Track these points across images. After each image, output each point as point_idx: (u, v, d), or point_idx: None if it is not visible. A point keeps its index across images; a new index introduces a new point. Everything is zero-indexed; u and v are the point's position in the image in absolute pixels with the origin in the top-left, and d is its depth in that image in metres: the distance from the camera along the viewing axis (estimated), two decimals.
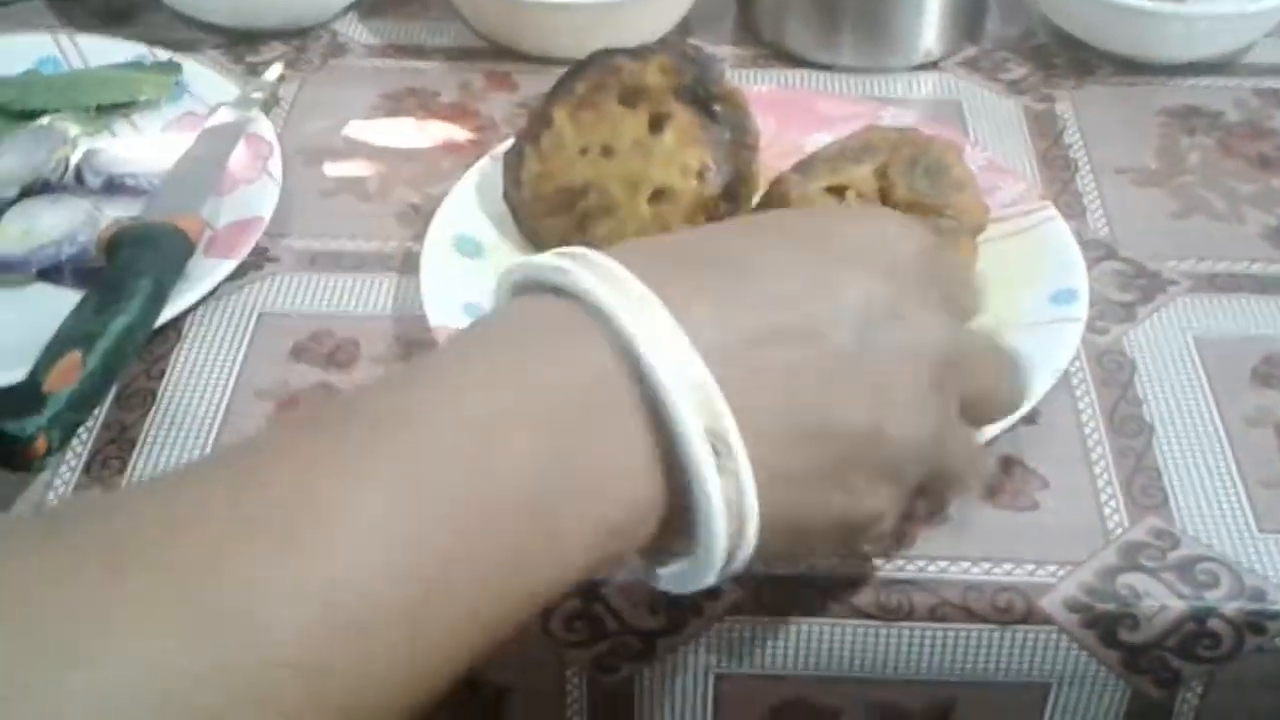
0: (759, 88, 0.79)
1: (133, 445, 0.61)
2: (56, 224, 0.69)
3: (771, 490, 0.40)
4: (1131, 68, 0.82)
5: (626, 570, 0.52)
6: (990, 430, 0.54)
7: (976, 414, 0.49)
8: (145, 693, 0.31)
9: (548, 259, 0.42)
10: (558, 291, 0.41)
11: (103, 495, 0.36)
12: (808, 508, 0.43)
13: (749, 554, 0.41)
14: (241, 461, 0.38)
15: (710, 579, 0.42)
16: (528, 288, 0.43)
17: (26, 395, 0.57)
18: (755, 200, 0.68)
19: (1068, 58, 0.84)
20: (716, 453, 0.39)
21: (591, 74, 0.68)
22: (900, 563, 0.56)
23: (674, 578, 0.43)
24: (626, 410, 0.39)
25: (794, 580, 0.56)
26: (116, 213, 0.69)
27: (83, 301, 0.63)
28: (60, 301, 0.64)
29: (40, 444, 0.55)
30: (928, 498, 0.53)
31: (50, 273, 0.68)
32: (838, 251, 0.45)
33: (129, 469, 0.60)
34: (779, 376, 0.41)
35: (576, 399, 0.39)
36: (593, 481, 0.39)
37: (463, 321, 0.64)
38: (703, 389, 0.39)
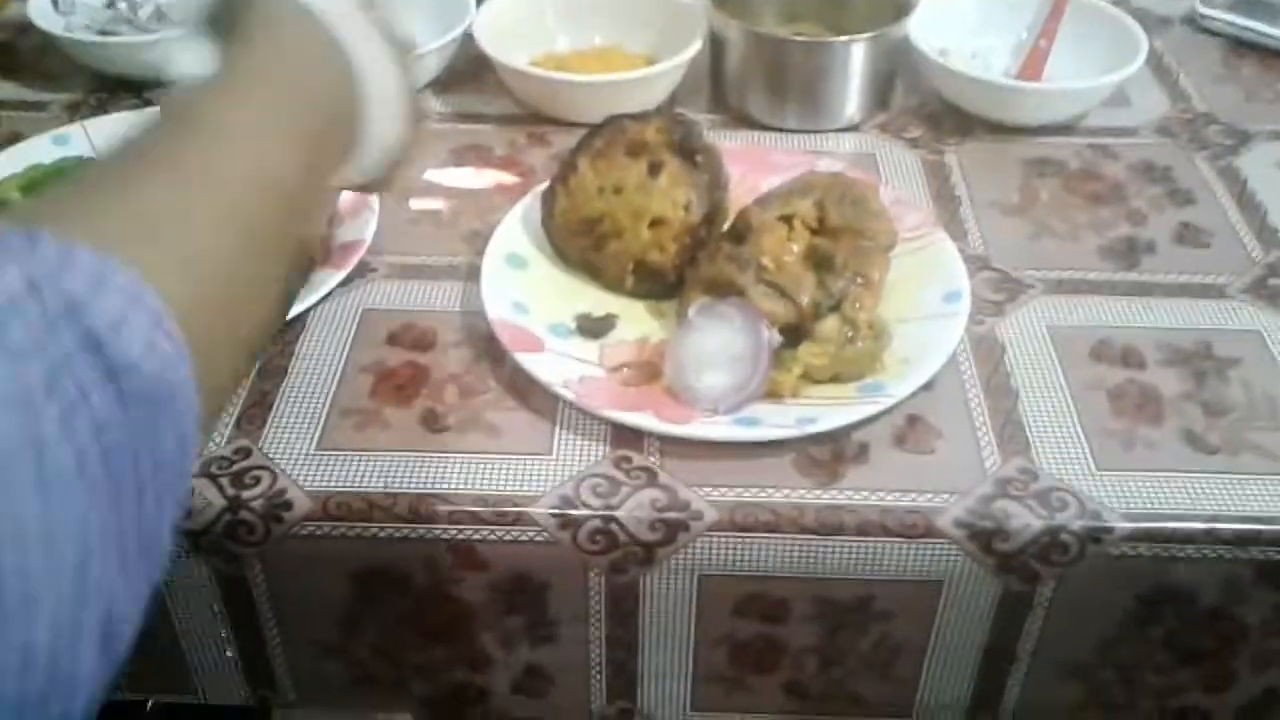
0: (728, 143, 0.77)
1: (270, 407, 0.59)
2: None
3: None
4: (1000, 129, 0.81)
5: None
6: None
7: None
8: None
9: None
10: None
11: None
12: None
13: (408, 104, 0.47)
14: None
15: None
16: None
17: None
18: (726, 226, 0.66)
19: (953, 122, 0.82)
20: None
21: (606, 133, 0.67)
22: (834, 493, 0.55)
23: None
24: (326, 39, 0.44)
25: (756, 506, 0.55)
26: None
27: None
28: None
29: None
30: None
31: None
32: None
33: (267, 424, 0.58)
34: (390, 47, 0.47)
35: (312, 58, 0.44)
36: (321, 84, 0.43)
37: (512, 314, 0.63)
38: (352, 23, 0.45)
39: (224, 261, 0.36)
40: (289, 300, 0.61)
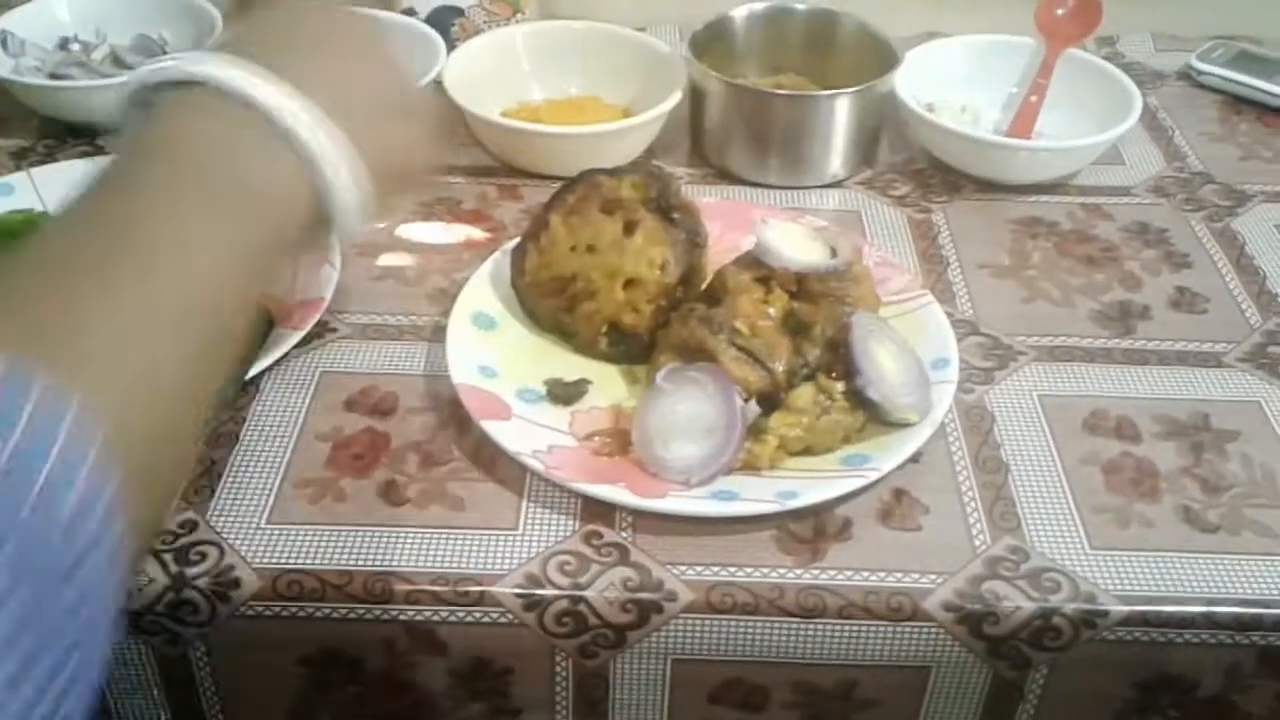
0: (707, 199, 0.78)
1: (219, 477, 0.59)
2: None
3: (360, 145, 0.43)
4: (989, 187, 0.82)
5: None
6: None
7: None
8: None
9: (184, 62, 0.42)
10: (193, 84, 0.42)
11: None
12: (383, 157, 0.44)
13: (364, 193, 0.43)
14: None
15: (353, 215, 0.44)
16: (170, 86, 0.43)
17: None
18: (704, 286, 0.66)
19: (941, 179, 0.83)
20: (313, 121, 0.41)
21: (579, 188, 0.67)
22: (815, 572, 0.55)
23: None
24: (266, 137, 0.41)
25: (733, 586, 0.54)
26: None
27: None
28: None
29: None
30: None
31: None
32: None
33: (215, 495, 0.58)
34: (347, 89, 0.44)
35: (236, 147, 0.41)
36: (263, 181, 0.41)
37: (478, 379, 0.62)
38: (292, 95, 0.41)
39: (158, 377, 0.36)
40: (245, 366, 0.61)
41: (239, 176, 0.41)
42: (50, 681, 0.29)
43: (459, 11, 0.93)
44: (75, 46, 0.89)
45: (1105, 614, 0.54)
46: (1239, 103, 0.93)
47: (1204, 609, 0.54)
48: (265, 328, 0.64)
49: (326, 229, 0.45)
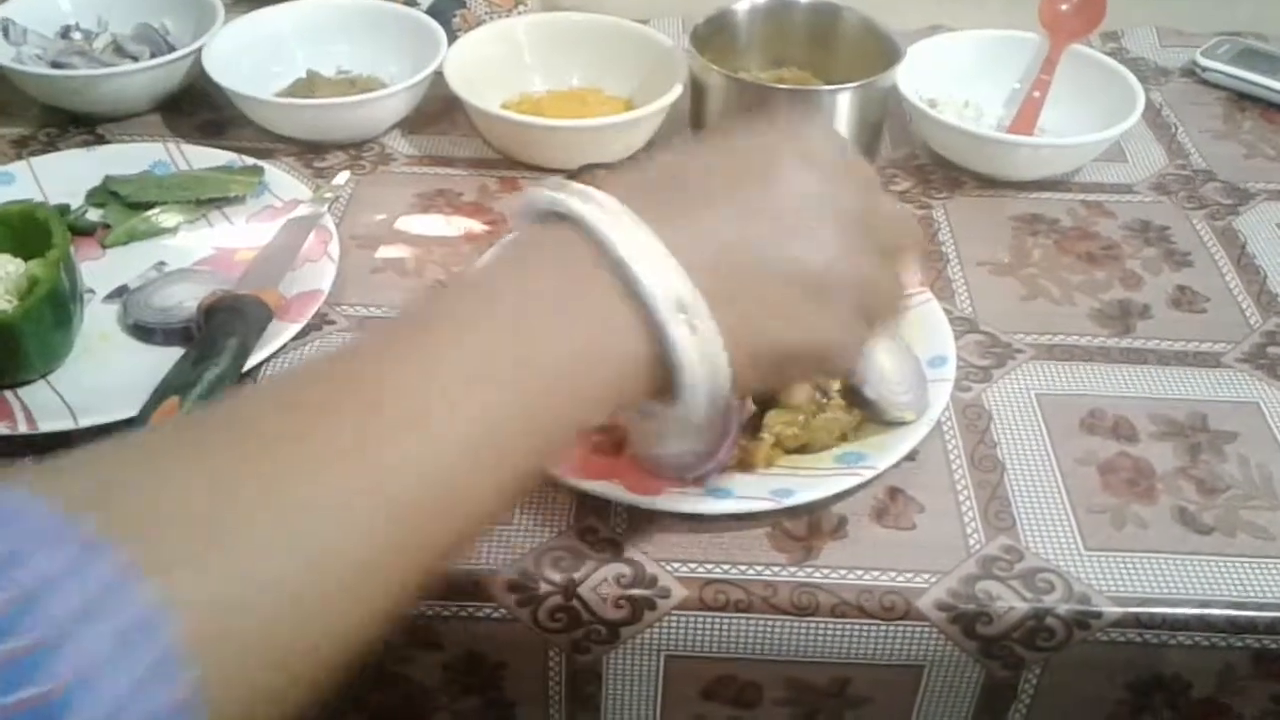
0: None
1: None
2: (183, 297, 0.67)
3: (736, 334, 0.39)
4: (990, 184, 0.82)
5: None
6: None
7: (895, 257, 0.46)
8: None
9: (553, 194, 0.40)
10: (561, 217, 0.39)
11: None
12: (771, 341, 0.41)
13: (725, 387, 0.39)
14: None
15: (698, 417, 0.40)
16: (539, 215, 0.41)
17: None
18: None
19: (942, 175, 0.83)
20: (683, 309, 0.38)
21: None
22: (809, 570, 0.55)
23: (675, 433, 0.42)
24: (614, 295, 0.38)
25: (727, 583, 0.54)
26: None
27: (183, 357, 0.62)
28: (147, 356, 0.64)
29: None
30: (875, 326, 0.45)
31: (141, 332, 0.66)
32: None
33: None
34: (732, 251, 0.40)
35: (577, 293, 0.38)
36: (596, 349, 0.38)
37: None
38: (667, 267, 0.38)
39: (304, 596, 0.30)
40: (241, 361, 0.61)
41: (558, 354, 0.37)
42: None
43: (460, 3, 0.93)
44: (77, 35, 0.89)
45: (1099, 615, 0.54)
46: (1243, 100, 0.93)
47: (1198, 611, 0.54)
48: (262, 319, 0.64)
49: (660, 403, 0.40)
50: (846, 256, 0.42)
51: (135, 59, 0.86)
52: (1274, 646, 0.54)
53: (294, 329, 0.65)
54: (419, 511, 0.33)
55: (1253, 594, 0.54)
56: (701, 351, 0.38)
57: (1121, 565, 0.55)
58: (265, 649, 0.30)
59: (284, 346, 0.65)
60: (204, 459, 0.31)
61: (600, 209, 0.39)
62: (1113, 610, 0.54)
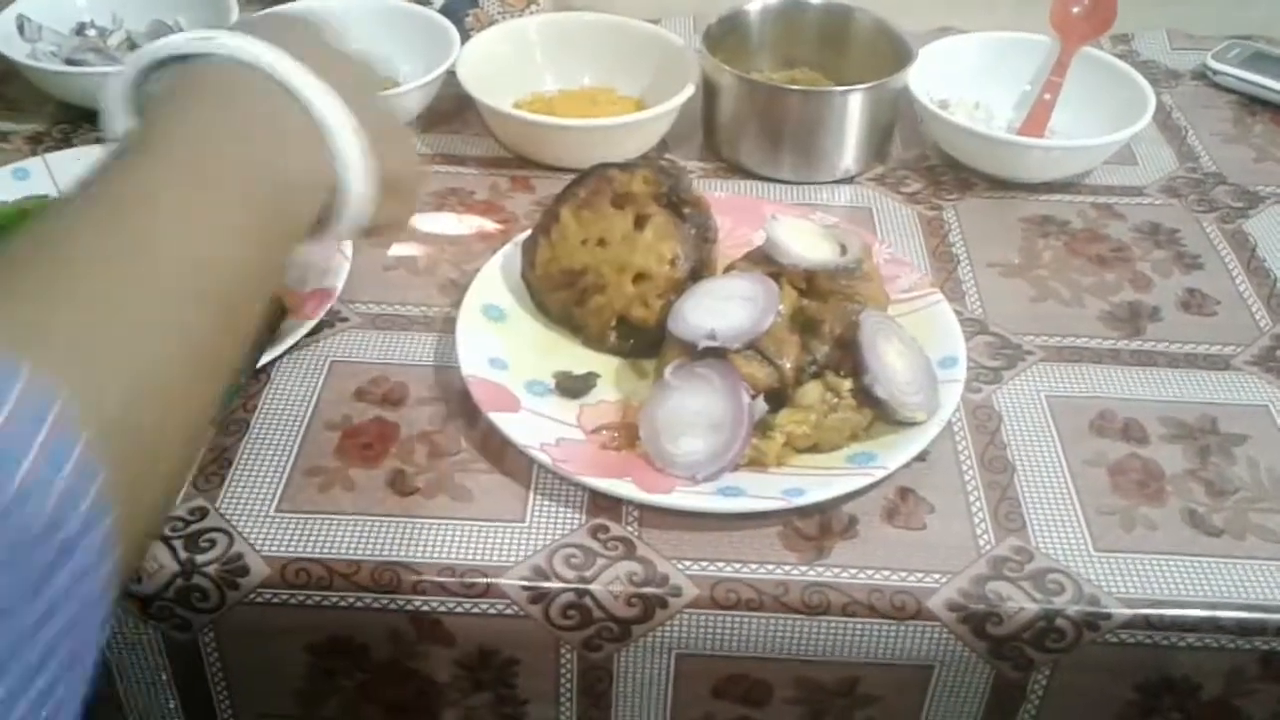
0: (718, 194, 0.78)
1: (229, 465, 0.59)
2: None
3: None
4: (1001, 185, 0.82)
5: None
6: None
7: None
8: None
9: (195, 39, 0.43)
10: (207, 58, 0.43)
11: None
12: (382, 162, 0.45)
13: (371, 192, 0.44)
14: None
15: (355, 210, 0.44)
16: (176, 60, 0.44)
17: None
18: None
19: (953, 176, 0.83)
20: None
21: (591, 182, 0.67)
22: (820, 569, 0.55)
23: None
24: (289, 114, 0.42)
25: (738, 582, 0.55)
26: None
27: None
28: None
29: None
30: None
31: None
32: None
33: (225, 483, 0.58)
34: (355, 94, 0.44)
35: (265, 122, 0.42)
36: (287, 168, 0.42)
37: (488, 370, 0.63)
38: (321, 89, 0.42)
39: (157, 366, 0.35)
40: (258, 354, 0.61)
41: (262, 160, 0.41)
42: (26, 686, 0.28)
43: (473, 2, 0.93)
44: (91, 32, 0.90)
45: (1108, 616, 0.54)
46: (1254, 103, 0.93)
47: (1207, 613, 0.54)
48: (278, 316, 0.65)
49: (329, 224, 0.45)
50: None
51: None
52: None
53: (307, 326, 0.66)
54: (226, 272, 0.39)
55: (1262, 596, 0.54)
56: (353, 146, 0.43)
57: (1131, 567, 0.56)
58: (149, 388, 0.34)
59: (297, 343, 0.65)
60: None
61: (249, 41, 0.42)
62: (1122, 612, 0.54)
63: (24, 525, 0.28)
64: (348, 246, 0.71)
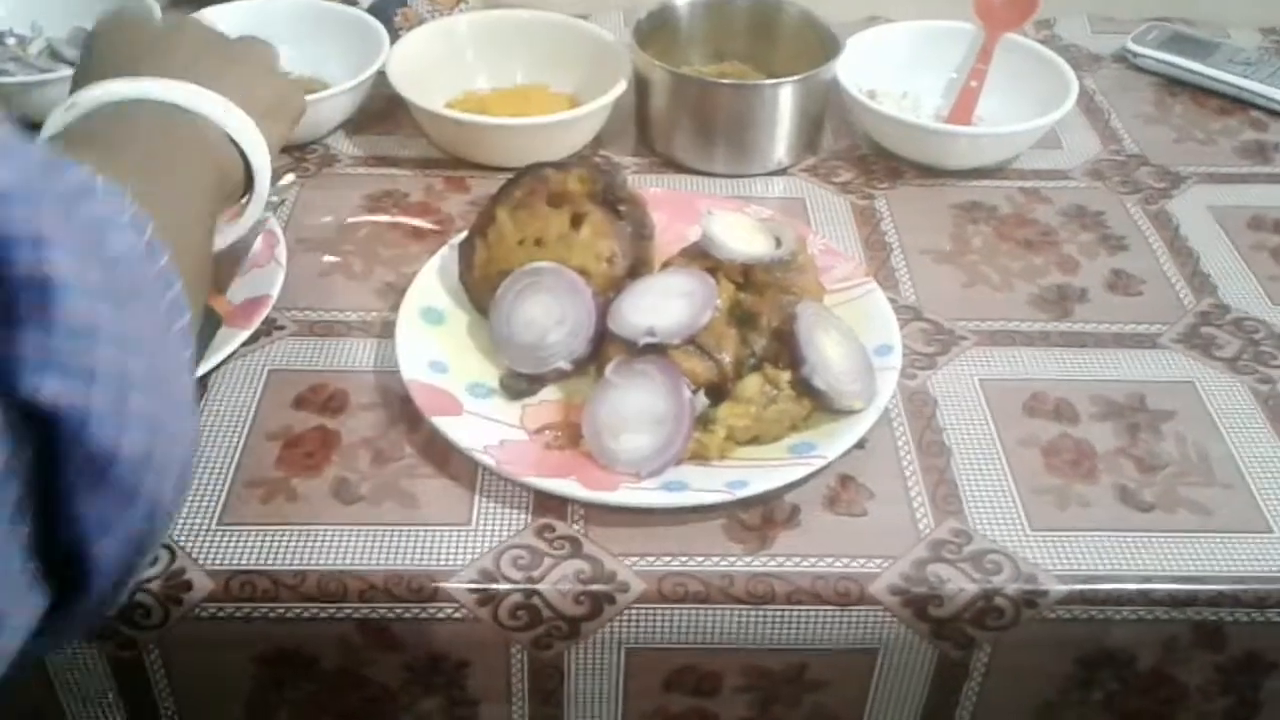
0: (653, 189, 0.78)
1: None
2: None
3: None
4: (930, 173, 0.83)
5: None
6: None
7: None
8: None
9: (120, 87, 0.53)
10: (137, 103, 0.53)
11: None
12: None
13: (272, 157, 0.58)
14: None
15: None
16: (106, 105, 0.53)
17: None
18: None
19: (883, 165, 0.84)
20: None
21: (526, 182, 0.67)
22: (764, 559, 0.56)
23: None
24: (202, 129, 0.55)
25: (684, 575, 0.55)
26: None
27: None
28: None
29: None
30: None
31: None
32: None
33: None
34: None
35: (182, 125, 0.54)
36: (206, 143, 0.55)
37: (428, 374, 0.63)
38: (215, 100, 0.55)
39: (184, 208, 0.50)
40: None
41: (189, 136, 0.54)
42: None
43: (402, 1, 0.92)
44: (11, 41, 0.88)
45: (1045, 593, 0.55)
46: (1174, 84, 0.95)
47: (1141, 586, 0.55)
48: (212, 326, 0.64)
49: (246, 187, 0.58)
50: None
51: (71, 64, 0.85)
52: (1214, 619, 0.56)
53: (243, 335, 0.65)
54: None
55: (1193, 569, 0.56)
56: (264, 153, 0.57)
57: (1066, 544, 0.57)
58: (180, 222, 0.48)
59: (234, 353, 0.65)
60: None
61: (163, 84, 0.54)
62: (1059, 588, 0.55)
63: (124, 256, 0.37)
64: (281, 252, 0.70)
